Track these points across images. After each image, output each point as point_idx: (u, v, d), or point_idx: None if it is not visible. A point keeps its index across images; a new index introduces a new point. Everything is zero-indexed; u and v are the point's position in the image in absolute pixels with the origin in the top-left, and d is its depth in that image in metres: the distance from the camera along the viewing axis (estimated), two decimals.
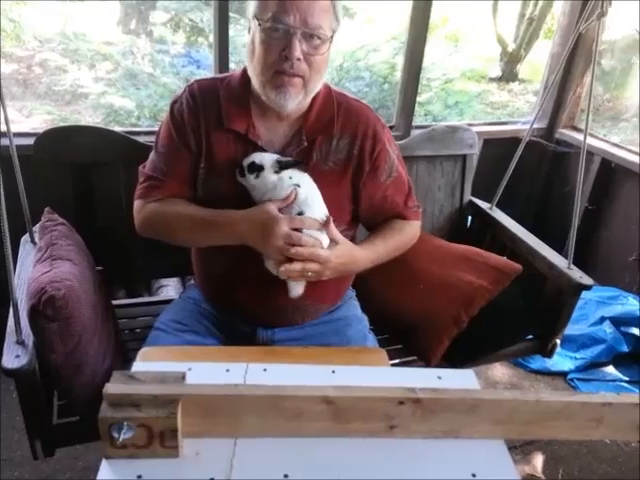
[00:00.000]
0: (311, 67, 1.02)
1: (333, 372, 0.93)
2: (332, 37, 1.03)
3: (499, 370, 2.13)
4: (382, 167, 1.17)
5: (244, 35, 1.11)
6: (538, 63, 3.94)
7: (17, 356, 0.97)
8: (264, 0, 0.99)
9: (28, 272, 1.09)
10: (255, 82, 1.06)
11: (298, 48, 0.99)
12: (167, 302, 1.45)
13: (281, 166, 1.06)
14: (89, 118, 3.04)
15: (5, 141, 1.14)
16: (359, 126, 1.14)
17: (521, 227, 1.63)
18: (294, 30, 0.98)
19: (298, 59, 1.00)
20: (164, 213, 1.11)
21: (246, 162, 1.07)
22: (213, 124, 1.10)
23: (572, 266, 1.44)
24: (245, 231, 1.03)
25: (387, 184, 1.20)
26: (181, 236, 1.13)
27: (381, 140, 1.16)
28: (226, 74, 1.18)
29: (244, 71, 1.11)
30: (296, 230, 1.04)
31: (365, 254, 1.17)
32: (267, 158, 1.07)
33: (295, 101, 1.05)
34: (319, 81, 1.07)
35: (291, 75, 1.01)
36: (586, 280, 1.39)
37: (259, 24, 1.00)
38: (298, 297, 1.14)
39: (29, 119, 2.91)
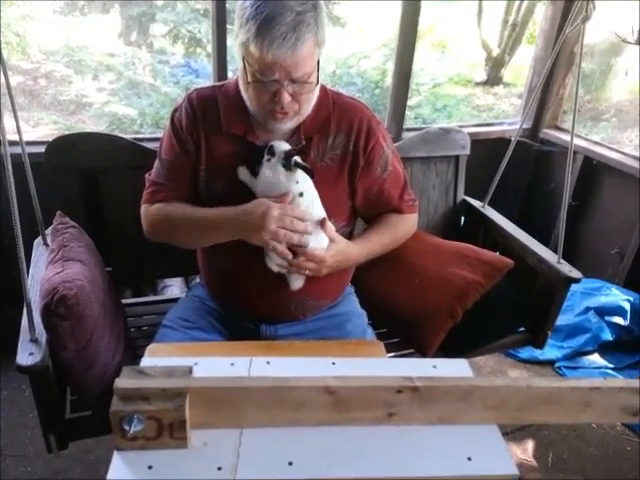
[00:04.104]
0: (301, 102, 1.06)
1: (333, 364, 0.96)
2: (317, 62, 1.04)
3: (490, 360, 2.18)
4: (376, 161, 1.20)
5: None
6: (521, 67, 4.00)
7: (31, 353, 1.00)
8: (250, 54, 0.99)
9: (41, 273, 1.13)
10: (251, 109, 1.10)
11: (286, 96, 1.02)
12: (172, 301, 1.49)
13: (286, 156, 1.07)
14: (93, 127, 3.08)
15: (17, 149, 1.18)
16: (354, 122, 1.17)
17: (512, 224, 1.66)
18: (281, 83, 1.00)
19: (288, 102, 1.03)
20: (167, 216, 1.15)
21: (268, 145, 1.10)
22: (212, 129, 1.14)
23: (562, 260, 1.48)
24: (241, 224, 1.06)
25: (383, 178, 1.23)
26: (184, 237, 1.17)
27: (375, 135, 1.19)
28: (224, 82, 1.22)
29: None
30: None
31: (359, 250, 1.22)
32: (281, 148, 1.09)
33: (290, 124, 1.10)
34: (311, 104, 1.11)
35: (284, 113, 1.06)
36: (575, 274, 1.43)
37: (246, 67, 1.01)
38: (298, 290, 1.18)
39: (35, 129, 2.95)
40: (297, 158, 1.09)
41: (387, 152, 1.23)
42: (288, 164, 1.08)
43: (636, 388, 0.84)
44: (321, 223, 1.11)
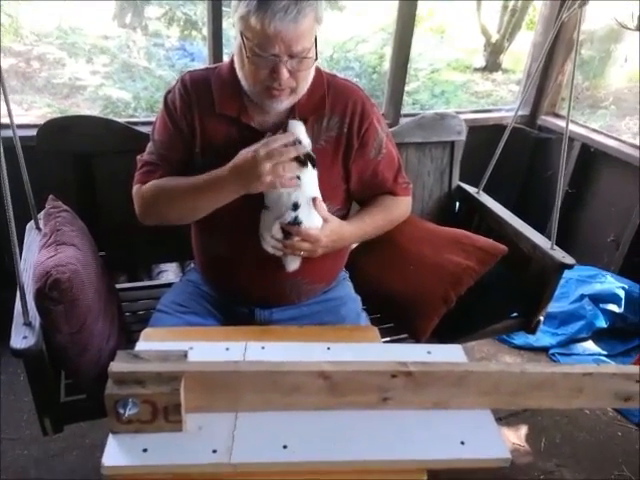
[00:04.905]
0: (298, 79, 1.05)
1: (328, 349, 0.96)
2: (315, 39, 1.03)
3: (484, 346, 2.19)
4: (370, 144, 1.20)
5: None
6: (520, 53, 3.97)
7: (25, 337, 1.00)
8: (250, 27, 0.98)
9: (34, 257, 1.12)
10: (246, 88, 1.08)
11: (285, 72, 1.01)
12: (167, 286, 1.48)
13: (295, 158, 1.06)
14: (87, 110, 3.02)
15: (9, 132, 1.16)
16: (348, 104, 1.16)
17: (506, 210, 1.67)
18: (280, 58, 0.99)
19: (286, 78, 1.02)
20: (161, 189, 1.14)
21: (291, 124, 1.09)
22: (206, 110, 1.13)
23: (555, 247, 1.48)
24: (233, 177, 1.04)
25: (377, 160, 1.22)
26: (179, 206, 1.14)
27: (369, 117, 1.18)
28: (217, 64, 1.21)
29: (233, 61, 1.12)
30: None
31: (353, 230, 1.21)
32: (293, 129, 1.08)
33: (286, 104, 1.09)
34: (307, 83, 1.09)
35: (280, 90, 1.05)
36: (568, 260, 1.43)
37: (244, 43, 1.00)
38: (293, 272, 1.18)
39: (29, 112, 2.90)
40: (307, 148, 1.08)
41: (381, 135, 1.22)
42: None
43: (628, 374, 0.85)
44: (313, 201, 1.11)
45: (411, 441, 0.81)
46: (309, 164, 1.08)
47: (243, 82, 1.08)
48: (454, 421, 0.85)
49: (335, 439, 0.80)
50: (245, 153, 1.04)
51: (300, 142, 1.07)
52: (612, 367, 0.87)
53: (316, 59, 1.05)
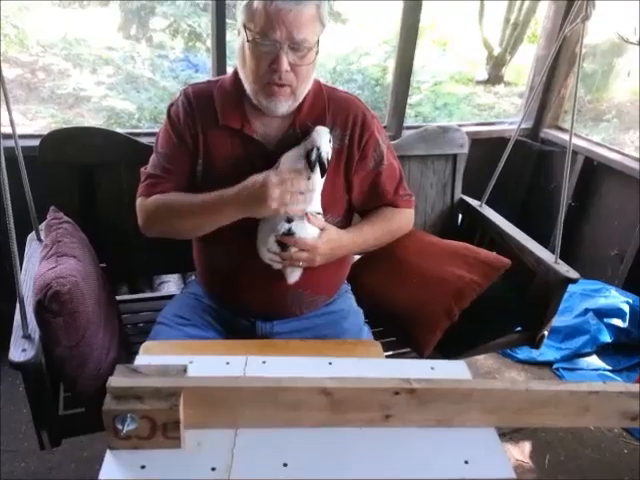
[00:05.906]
0: (298, 76, 1.06)
1: (330, 364, 0.95)
2: (317, 42, 1.06)
3: (487, 360, 2.18)
4: (370, 155, 1.21)
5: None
6: (522, 66, 4.00)
7: (24, 350, 0.99)
8: (252, 12, 1.02)
9: (34, 268, 1.11)
10: (247, 88, 1.10)
11: (285, 62, 1.03)
12: (169, 297, 1.47)
13: (306, 157, 1.08)
14: (92, 121, 3.05)
15: (11, 143, 1.16)
16: (349, 116, 1.17)
17: (509, 223, 1.66)
18: (281, 45, 1.01)
19: (286, 70, 1.04)
20: (166, 204, 1.14)
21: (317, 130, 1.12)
22: (209, 123, 1.13)
23: (559, 260, 1.48)
24: (244, 200, 1.05)
25: (377, 171, 1.23)
26: (184, 223, 1.14)
27: (369, 128, 1.19)
28: (219, 77, 1.22)
29: (235, 72, 1.14)
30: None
31: (352, 238, 1.21)
32: (318, 141, 1.10)
33: (285, 106, 1.09)
34: (307, 87, 1.11)
35: (280, 85, 1.06)
36: (572, 274, 1.43)
37: (247, 34, 1.03)
38: (295, 283, 1.18)
39: (33, 122, 2.92)
40: (323, 154, 1.09)
41: (382, 146, 1.23)
42: (309, 155, 1.08)
43: (635, 393, 0.83)
44: (305, 216, 1.11)
45: (413, 460, 0.80)
46: (318, 174, 1.09)
47: (244, 82, 1.10)
48: (458, 439, 0.83)
49: (336, 457, 0.79)
50: (256, 177, 1.04)
51: (319, 148, 1.08)
52: (619, 385, 0.86)
53: (317, 52, 1.07)
